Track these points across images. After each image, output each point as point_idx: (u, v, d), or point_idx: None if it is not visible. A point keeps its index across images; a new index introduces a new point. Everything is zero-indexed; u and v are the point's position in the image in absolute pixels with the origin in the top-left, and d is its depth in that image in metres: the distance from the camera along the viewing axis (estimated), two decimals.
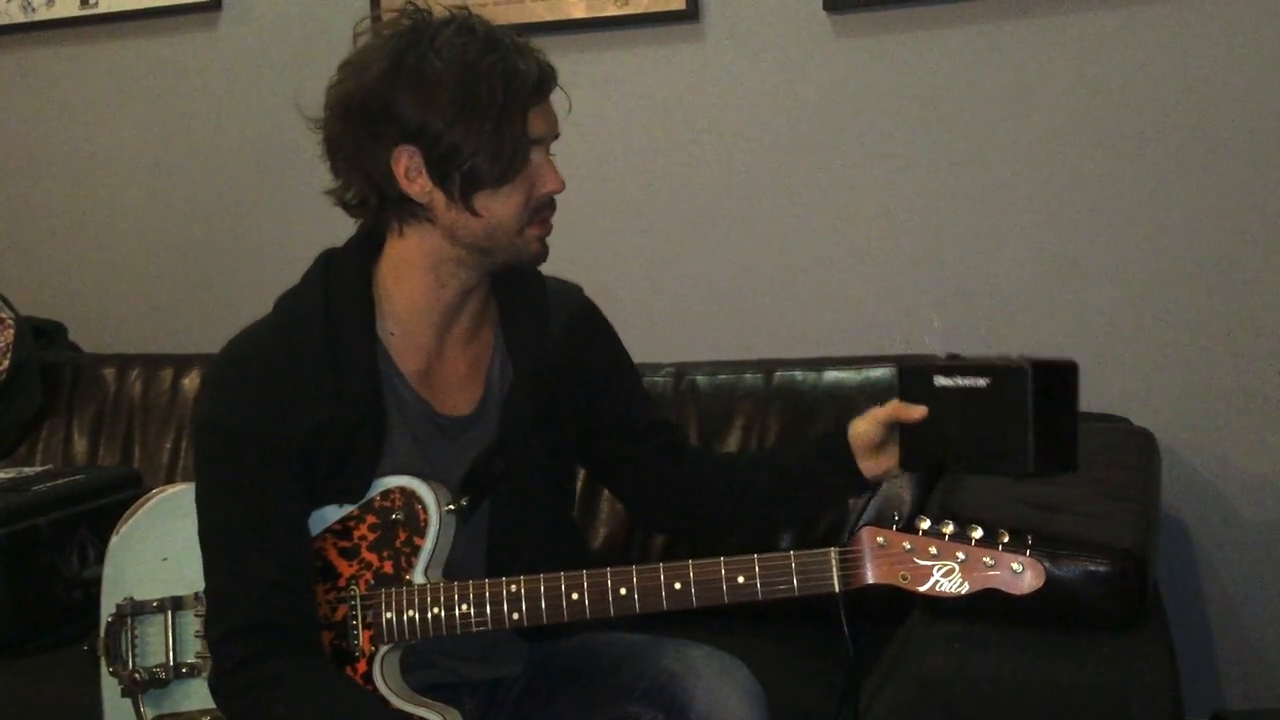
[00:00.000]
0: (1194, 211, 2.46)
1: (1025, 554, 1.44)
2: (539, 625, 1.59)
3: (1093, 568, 1.74)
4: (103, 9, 3.18)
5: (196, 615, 1.68)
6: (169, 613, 1.70)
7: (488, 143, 1.52)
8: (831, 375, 2.41)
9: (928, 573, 1.46)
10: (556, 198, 1.61)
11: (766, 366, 2.46)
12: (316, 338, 1.58)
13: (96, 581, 2.36)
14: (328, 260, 1.67)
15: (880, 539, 1.48)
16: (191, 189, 3.21)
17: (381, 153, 1.55)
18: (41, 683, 2.18)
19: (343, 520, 1.59)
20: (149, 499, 1.72)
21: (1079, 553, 1.76)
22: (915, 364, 1.92)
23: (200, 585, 1.61)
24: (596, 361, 1.77)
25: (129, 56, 3.21)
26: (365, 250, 1.65)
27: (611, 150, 2.75)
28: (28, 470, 2.59)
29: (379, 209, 1.60)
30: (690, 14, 2.72)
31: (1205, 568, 2.51)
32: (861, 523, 2.13)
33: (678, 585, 1.52)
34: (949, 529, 1.46)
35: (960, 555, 1.45)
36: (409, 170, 1.54)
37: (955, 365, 1.86)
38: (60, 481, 2.45)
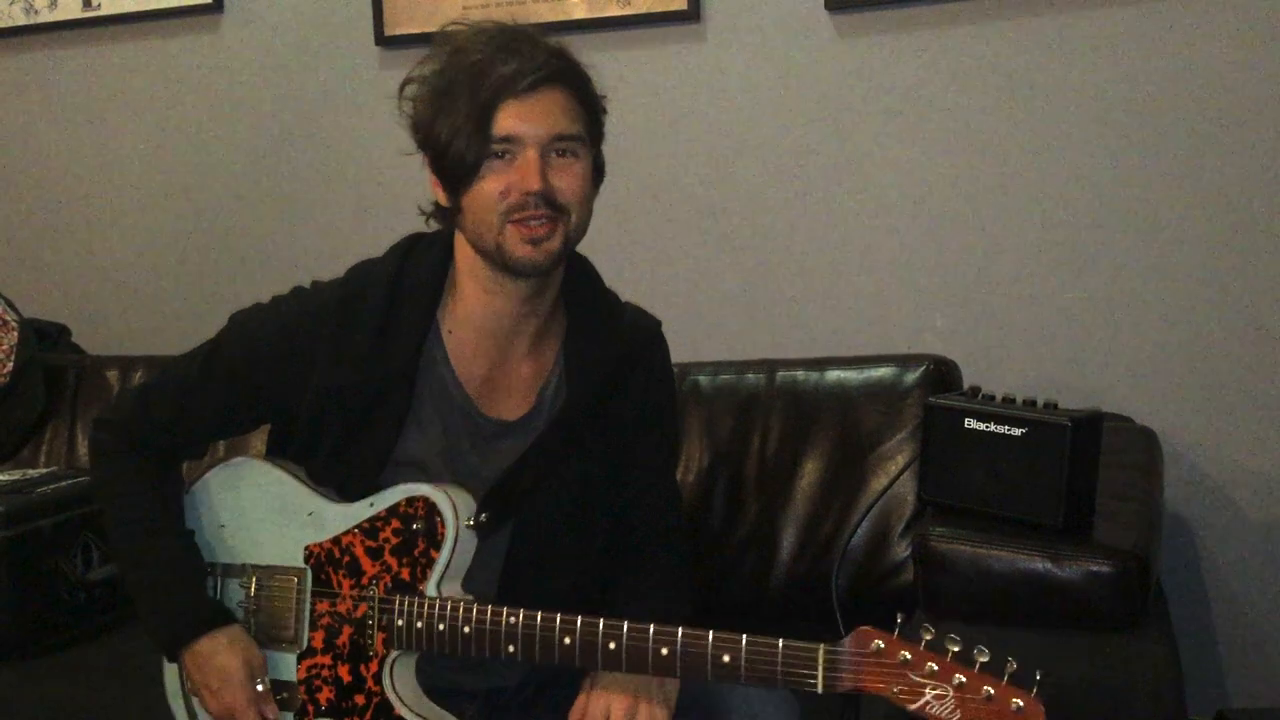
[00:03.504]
0: (1197, 209, 2.45)
1: (1032, 691, 1.34)
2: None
3: (1095, 568, 1.74)
4: (105, 11, 3.18)
5: (241, 585, 1.71)
6: (218, 579, 1.74)
7: (458, 134, 1.56)
8: (834, 375, 2.41)
9: (920, 691, 1.36)
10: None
11: (768, 366, 2.46)
12: (374, 311, 1.65)
13: (100, 584, 2.38)
14: (413, 243, 1.73)
15: (877, 643, 1.38)
16: (194, 190, 3.22)
17: (425, 164, 1.64)
18: (45, 685, 2.19)
19: (371, 520, 1.63)
20: (209, 469, 1.76)
21: (1082, 553, 1.76)
22: (945, 402, 1.93)
23: (247, 559, 1.70)
24: (636, 400, 1.76)
25: (131, 58, 3.21)
26: (448, 245, 1.70)
27: (613, 150, 2.74)
28: (32, 472, 2.59)
29: (438, 217, 1.69)
30: (691, 14, 2.71)
31: (1208, 566, 2.51)
32: (852, 541, 2.11)
33: (664, 651, 1.48)
34: (955, 647, 1.36)
35: (959, 679, 1.35)
36: (432, 176, 1.63)
37: (988, 410, 1.86)
38: (64, 483, 2.45)
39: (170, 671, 1.74)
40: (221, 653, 1.62)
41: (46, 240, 3.38)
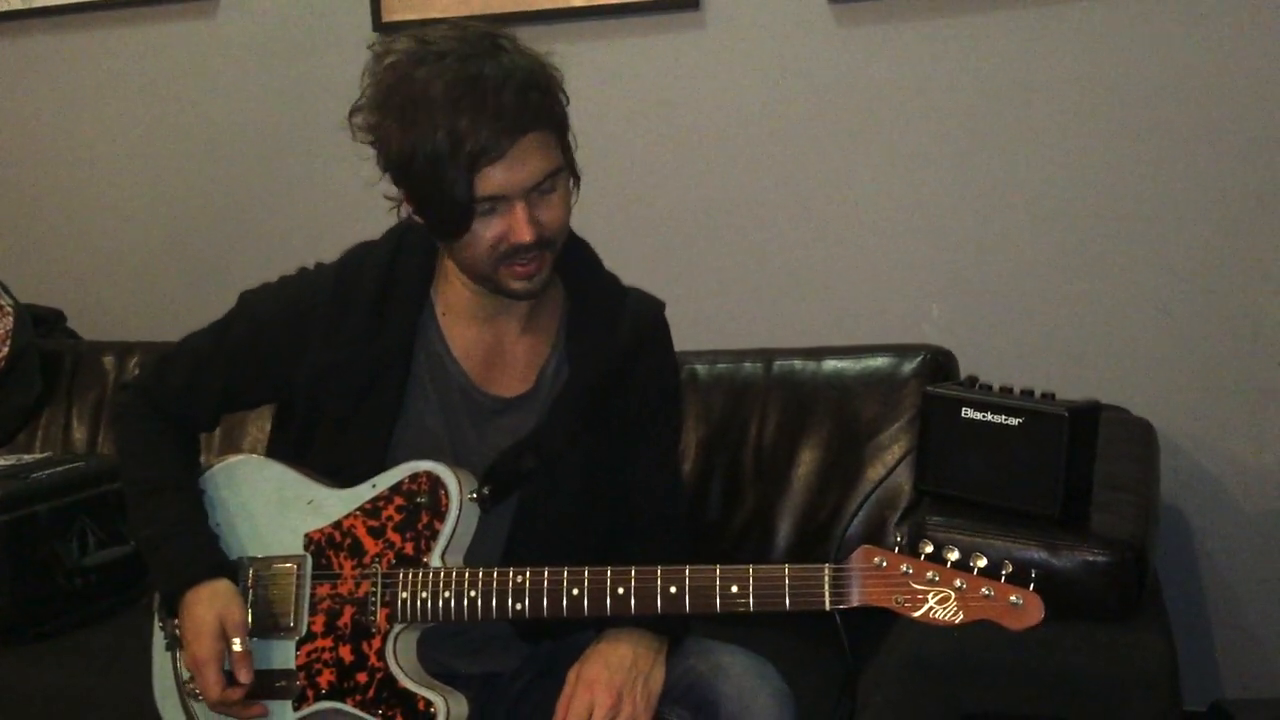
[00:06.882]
0: (1194, 203, 2.45)
1: (1028, 588, 1.40)
2: (540, 624, 1.60)
3: (1092, 558, 1.75)
4: None
5: (238, 579, 1.70)
6: None
7: (433, 199, 1.55)
8: (831, 364, 2.41)
9: (923, 599, 1.42)
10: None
11: (766, 356, 2.46)
12: (368, 291, 1.68)
13: (97, 569, 2.38)
14: (409, 225, 1.73)
15: (878, 559, 1.44)
16: (189, 177, 3.21)
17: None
18: (41, 671, 2.19)
19: (373, 500, 1.64)
20: (210, 466, 1.77)
21: (1078, 543, 1.77)
22: (943, 391, 1.93)
23: (244, 552, 1.69)
24: (641, 383, 1.76)
25: (127, 44, 3.20)
26: None
27: (611, 139, 2.75)
28: (27, 458, 2.59)
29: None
30: (691, 3, 2.71)
31: (1204, 558, 2.52)
32: (849, 531, 2.14)
33: (673, 589, 1.52)
34: (953, 555, 1.42)
35: (959, 583, 1.41)
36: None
37: (985, 399, 1.86)
38: (60, 469, 2.45)
39: (161, 669, 1.73)
40: (200, 604, 1.62)
41: (42, 226, 3.37)
